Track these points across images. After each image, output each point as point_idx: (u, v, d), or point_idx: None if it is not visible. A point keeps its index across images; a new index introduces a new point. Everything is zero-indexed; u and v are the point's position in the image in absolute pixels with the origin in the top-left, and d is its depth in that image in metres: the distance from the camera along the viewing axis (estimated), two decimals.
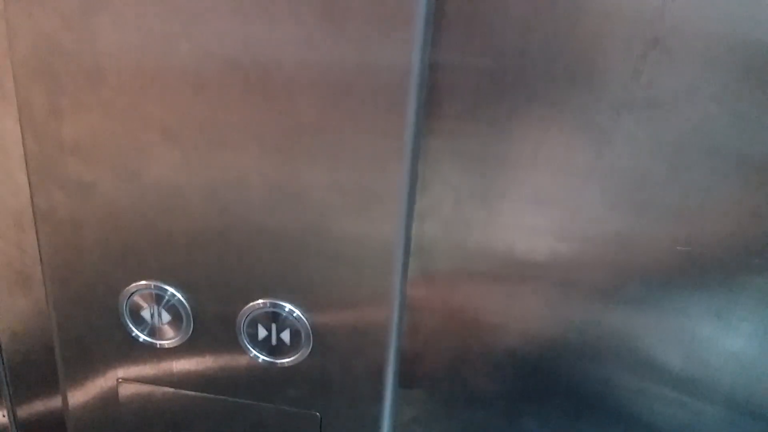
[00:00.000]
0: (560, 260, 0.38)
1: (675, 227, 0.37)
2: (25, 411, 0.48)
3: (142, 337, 0.41)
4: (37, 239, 0.39)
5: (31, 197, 0.38)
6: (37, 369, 0.46)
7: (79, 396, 0.44)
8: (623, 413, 0.42)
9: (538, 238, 0.38)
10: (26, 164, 0.37)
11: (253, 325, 0.40)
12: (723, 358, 0.39)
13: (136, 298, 0.40)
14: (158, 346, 0.41)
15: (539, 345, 0.41)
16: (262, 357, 0.40)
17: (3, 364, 0.46)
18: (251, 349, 0.40)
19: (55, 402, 0.47)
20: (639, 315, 0.39)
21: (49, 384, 0.46)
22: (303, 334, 0.40)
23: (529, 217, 0.37)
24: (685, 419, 0.41)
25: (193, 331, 0.40)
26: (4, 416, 0.48)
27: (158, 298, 0.39)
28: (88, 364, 0.43)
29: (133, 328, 0.40)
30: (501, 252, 0.38)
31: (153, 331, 0.40)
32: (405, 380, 0.43)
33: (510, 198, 0.37)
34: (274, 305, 0.39)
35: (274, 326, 0.39)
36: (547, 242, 0.38)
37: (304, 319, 0.39)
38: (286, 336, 0.40)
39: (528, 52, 0.34)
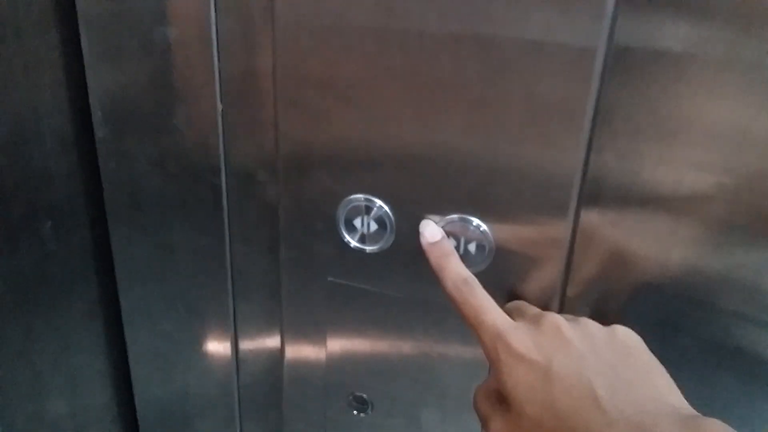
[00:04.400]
0: (724, 194, 0.43)
1: None
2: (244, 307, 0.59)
3: (353, 242, 0.49)
4: (275, 157, 0.49)
5: (275, 121, 0.48)
6: (259, 267, 0.56)
7: (295, 294, 0.54)
8: None
9: (705, 173, 0.42)
10: (274, 94, 0.47)
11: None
12: None
13: (351, 209, 0.48)
14: (367, 251, 0.49)
15: (700, 280, 0.46)
16: None
17: (231, 265, 0.57)
18: None
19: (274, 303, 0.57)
20: None
21: (269, 283, 0.56)
22: (487, 248, 0.47)
23: (699, 152, 0.42)
24: None
25: (394, 240, 0.48)
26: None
27: (368, 210, 0.48)
28: (305, 265, 0.52)
29: (346, 235, 0.49)
30: (670, 183, 0.43)
31: (362, 238, 0.49)
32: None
33: (682, 133, 0.41)
34: (464, 220, 0.46)
35: (463, 239, 0.47)
36: (714, 176, 0.42)
37: (489, 234, 0.46)
38: (472, 248, 0.47)
39: (705, 13, 0.38)
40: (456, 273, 0.44)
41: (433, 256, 0.45)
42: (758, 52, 0.38)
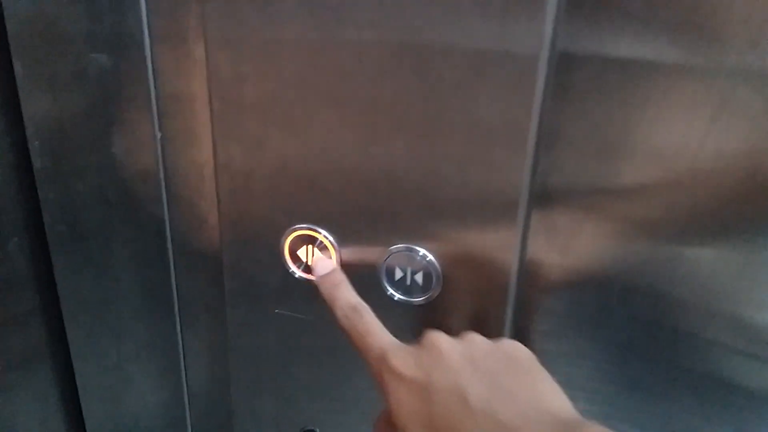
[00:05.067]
0: (677, 213, 0.42)
1: None
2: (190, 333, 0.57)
3: (298, 273, 0.48)
4: (216, 187, 0.47)
5: (213, 151, 0.46)
6: (205, 299, 0.54)
7: (241, 326, 0.52)
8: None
9: (654, 193, 0.41)
10: (211, 122, 0.45)
11: (391, 266, 0.46)
12: None
13: (295, 239, 0.47)
14: (312, 282, 0.48)
15: (654, 302, 0.45)
16: (398, 295, 0.46)
17: (177, 296, 0.55)
18: (389, 287, 0.46)
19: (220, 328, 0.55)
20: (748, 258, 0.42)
21: (216, 314, 0.54)
22: (434, 277, 0.45)
23: (648, 173, 0.41)
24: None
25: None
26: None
27: (312, 239, 0.46)
28: (250, 296, 0.50)
29: (291, 265, 0.48)
30: (620, 205, 0.42)
31: (307, 269, 0.47)
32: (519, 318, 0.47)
33: (630, 157, 0.40)
34: (410, 249, 0.45)
35: (409, 268, 0.45)
36: (664, 196, 0.41)
37: (436, 263, 0.45)
38: (419, 278, 0.45)
39: (652, 22, 0.37)
40: (345, 301, 0.43)
41: (324, 288, 0.45)
42: (709, 62, 0.37)
